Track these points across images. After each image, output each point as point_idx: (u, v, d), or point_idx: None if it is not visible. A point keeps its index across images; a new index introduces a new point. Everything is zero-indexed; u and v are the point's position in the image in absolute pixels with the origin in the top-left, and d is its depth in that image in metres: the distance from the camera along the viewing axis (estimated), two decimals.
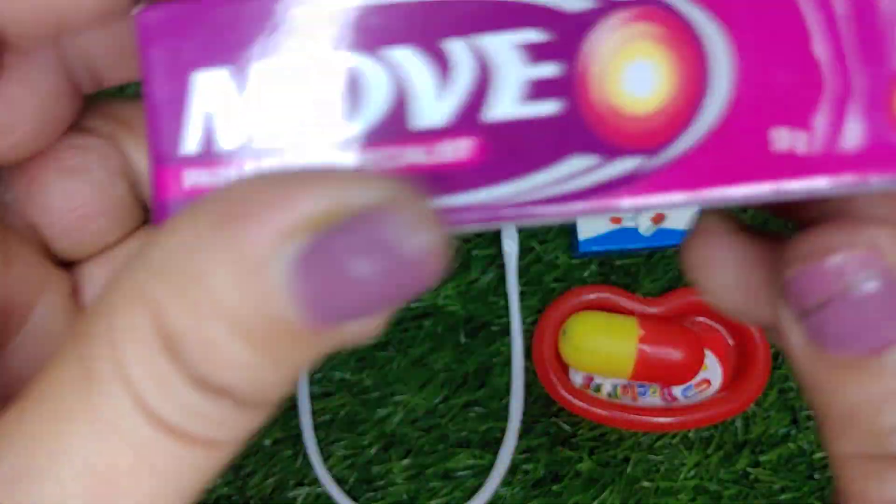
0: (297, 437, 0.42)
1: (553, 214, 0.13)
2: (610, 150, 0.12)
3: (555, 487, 0.43)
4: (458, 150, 0.13)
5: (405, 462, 0.42)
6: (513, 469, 0.43)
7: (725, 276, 0.16)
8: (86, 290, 0.17)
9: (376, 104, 0.12)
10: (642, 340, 0.42)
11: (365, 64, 0.12)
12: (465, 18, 0.12)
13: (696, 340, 0.43)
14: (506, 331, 0.45)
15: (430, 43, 0.12)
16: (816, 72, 0.12)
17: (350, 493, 0.41)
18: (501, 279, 0.46)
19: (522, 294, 0.46)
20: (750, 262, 0.16)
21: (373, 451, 0.42)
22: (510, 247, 0.45)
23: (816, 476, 0.44)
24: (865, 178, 0.12)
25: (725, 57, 0.12)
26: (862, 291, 0.12)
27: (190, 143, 0.13)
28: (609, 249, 0.45)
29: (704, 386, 0.45)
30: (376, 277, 0.11)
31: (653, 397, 0.44)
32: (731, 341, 0.45)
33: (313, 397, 0.43)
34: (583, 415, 0.43)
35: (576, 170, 0.13)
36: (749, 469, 0.44)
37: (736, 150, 0.13)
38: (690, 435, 0.44)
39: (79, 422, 0.12)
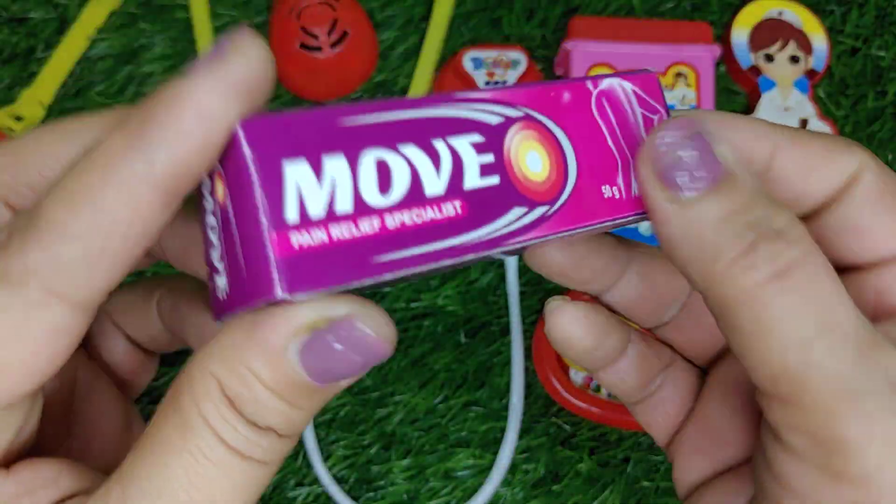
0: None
1: (513, 243, 0.20)
2: (531, 203, 0.20)
3: (555, 487, 0.43)
4: (454, 207, 0.19)
5: (405, 462, 0.42)
6: (513, 469, 0.43)
7: (583, 339, 0.24)
8: None
9: (402, 181, 0.19)
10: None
11: (391, 156, 0.19)
12: (440, 127, 0.20)
13: None
14: (506, 331, 0.45)
15: (426, 142, 0.19)
16: (611, 154, 0.22)
17: (350, 493, 0.41)
18: (501, 279, 0.46)
19: (522, 294, 0.46)
20: (598, 324, 0.24)
21: (373, 451, 0.42)
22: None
23: None
24: (642, 212, 0.22)
25: (570, 149, 0.21)
26: (682, 147, 0.20)
27: (290, 213, 0.17)
28: None
29: None
30: (351, 355, 0.18)
31: None
32: None
33: None
34: (583, 415, 0.43)
35: (516, 216, 0.20)
36: None
37: (587, 200, 0.21)
38: None
39: (181, 453, 0.18)
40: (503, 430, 0.43)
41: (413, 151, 0.19)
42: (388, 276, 0.18)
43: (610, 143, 0.22)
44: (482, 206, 0.20)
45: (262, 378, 0.18)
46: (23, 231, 0.17)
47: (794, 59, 0.49)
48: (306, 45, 0.46)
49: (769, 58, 0.49)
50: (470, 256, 0.19)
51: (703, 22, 0.48)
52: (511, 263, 0.45)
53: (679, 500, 0.25)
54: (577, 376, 0.44)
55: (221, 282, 0.18)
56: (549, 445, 0.44)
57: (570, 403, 0.43)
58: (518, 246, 0.20)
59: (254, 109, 0.17)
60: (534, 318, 0.45)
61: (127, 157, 0.16)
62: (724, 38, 0.50)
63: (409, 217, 0.19)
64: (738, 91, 0.50)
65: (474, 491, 0.43)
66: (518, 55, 0.47)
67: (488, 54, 0.47)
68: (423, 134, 0.19)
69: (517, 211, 0.20)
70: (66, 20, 0.49)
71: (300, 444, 0.42)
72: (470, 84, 0.47)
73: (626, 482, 0.44)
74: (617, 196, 0.22)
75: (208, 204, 0.19)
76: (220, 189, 0.18)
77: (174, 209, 0.17)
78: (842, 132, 0.49)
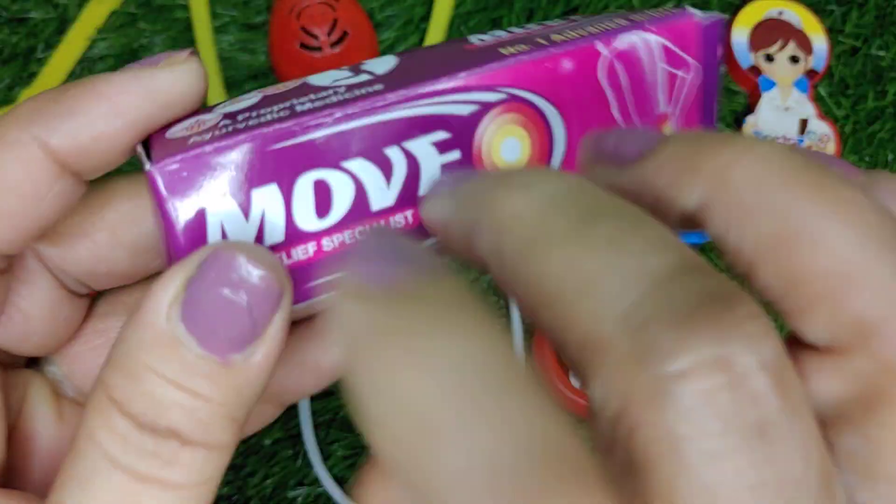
0: (297, 437, 0.42)
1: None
2: None
3: None
4: (405, 218, 0.18)
5: None
6: None
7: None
8: None
9: (344, 199, 0.18)
10: None
11: (332, 175, 0.18)
12: (396, 133, 0.18)
13: None
14: (506, 331, 0.45)
15: (375, 153, 0.18)
16: (616, 126, 0.19)
17: (350, 493, 0.41)
18: None
19: None
20: None
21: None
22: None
23: None
24: None
25: (561, 126, 0.19)
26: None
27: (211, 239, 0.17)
28: None
29: None
30: (237, 304, 0.15)
31: None
32: None
33: (313, 397, 0.43)
34: (583, 415, 0.43)
35: None
36: None
37: None
38: None
39: (70, 485, 0.15)
40: None
41: (359, 165, 0.18)
42: (324, 299, 0.16)
43: (616, 112, 0.20)
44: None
45: (149, 363, 0.15)
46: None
47: (794, 59, 0.49)
48: (306, 45, 0.46)
49: (769, 58, 0.49)
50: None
51: None
52: None
53: None
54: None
55: None
56: None
57: (570, 403, 0.43)
58: None
59: (170, 119, 0.18)
60: None
61: (31, 122, 0.17)
62: (724, 38, 0.50)
63: (349, 236, 0.18)
64: (738, 91, 0.50)
65: None
66: None
67: None
68: (374, 144, 0.18)
69: None
70: (66, 20, 0.49)
71: (300, 445, 0.42)
72: None
73: None
74: None
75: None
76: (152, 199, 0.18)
77: (73, 188, 0.18)
78: (842, 132, 0.49)
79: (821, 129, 0.48)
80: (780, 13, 0.50)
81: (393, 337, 0.11)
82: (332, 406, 0.43)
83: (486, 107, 0.19)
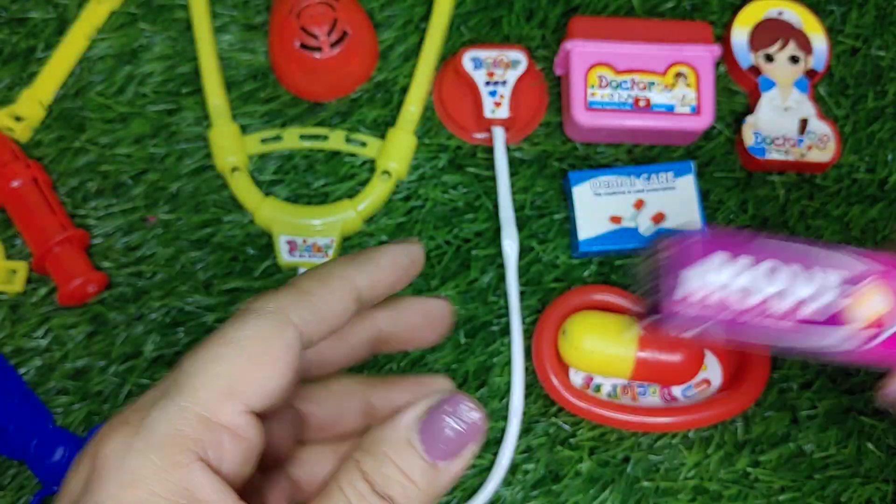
0: None
1: (834, 350, 0.31)
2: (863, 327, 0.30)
3: (555, 487, 0.43)
4: (805, 312, 0.30)
5: None
6: (513, 469, 0.43)
7: None
8: None
9: (783, 281, 0.29)
10: (642, 340, 0.42)
11: (781, 266, 0.29)
12: (822, 260, 0.29)
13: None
14: (506, 331, 0.45)
15: (808, 265, 0.29)
16: None
17: None
18: (501, 279, 0.46)
19: (522, 294, 0.46)
20: None
21: None
22: (510, 247, 0.45)
23: (816, 476, 0.44)
24: None
25: None
26: None
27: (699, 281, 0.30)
28: (609, 249, 0.45)
29: (704, 386, 0.45)
30: (457, 432, 0.23)
31: (653, 397, 0.44)
32: None
33: None
34: (583, 415, 0.43)
35: (845, 335, 0.30)
36: (749, 469, 0.44)
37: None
38: (690, 435, 0.44)
39: None
40: (503, 430, 0.43)
41: (796, 268, 0.29)
42: (747, 334, 0.29)
43: None
44: (825, 317, 0.29)
45: (389, 453, 0.23)
46: (284, 289, 0.25)
47: (794, 59, 0.49)
48: (306, 45, 0.46)
49: (769, 58, 0.49)
50: (802, 346, 0.29)
51: (703, 22, 0.48)
52: (511, 263, 0.45)
53: None
54: (576, 376, 0.44)
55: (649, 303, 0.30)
56: (549, 445, 0.44)
57: (570, 403, 0.43)
58: (841, 349, 0.30)
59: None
60: (534, 318, 0.45)
61: (346, 271, 0.25)
62: (724, 38, 0.50)
63: (776, 304, 0.29)
64: (738, 91, 0.50)
65: (474, 491, 0.43)
66: (518, 55, 0.47)
67: (488, 54, 0.47)
68: (809, 261, 0.29)
69: (846, 330, 0.29)
70: (66, 20, 0.49)
71: None
72: (470, 84, 0.47)
73: (626, 482, 0.43)
74: None
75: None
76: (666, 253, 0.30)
77: (354, 311, 0.25)
78: (842, 132, 0.49)
79: (821, 129, 0.48)
80: (780, 13, 0.50)
81: None
82: None
83: (870, 271, 0.30)
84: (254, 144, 0.47)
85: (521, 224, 0.47)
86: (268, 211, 0.46)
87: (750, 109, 0.49)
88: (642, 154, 0.48)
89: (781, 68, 0.49)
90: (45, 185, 0.46)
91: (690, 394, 0.44)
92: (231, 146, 0.47)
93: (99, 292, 0.45)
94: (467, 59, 0.47)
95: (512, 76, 0.47)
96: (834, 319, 0.29)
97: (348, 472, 0.23)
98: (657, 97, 0.46)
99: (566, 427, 0.44)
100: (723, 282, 0.29)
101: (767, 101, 0.48)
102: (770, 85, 0.49)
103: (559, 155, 0.48)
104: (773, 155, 0.47)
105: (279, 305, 0.23)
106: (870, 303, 0.29)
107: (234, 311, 0.24)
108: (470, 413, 0.23)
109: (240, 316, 0.23)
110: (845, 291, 0.29)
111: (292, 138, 0.48)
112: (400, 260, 0.27)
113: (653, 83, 0.46)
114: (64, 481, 0.23)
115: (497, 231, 0.46)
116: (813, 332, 0.29)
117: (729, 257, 0.29)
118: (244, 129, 0.48)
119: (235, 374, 0.22)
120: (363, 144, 0.48)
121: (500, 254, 0.46)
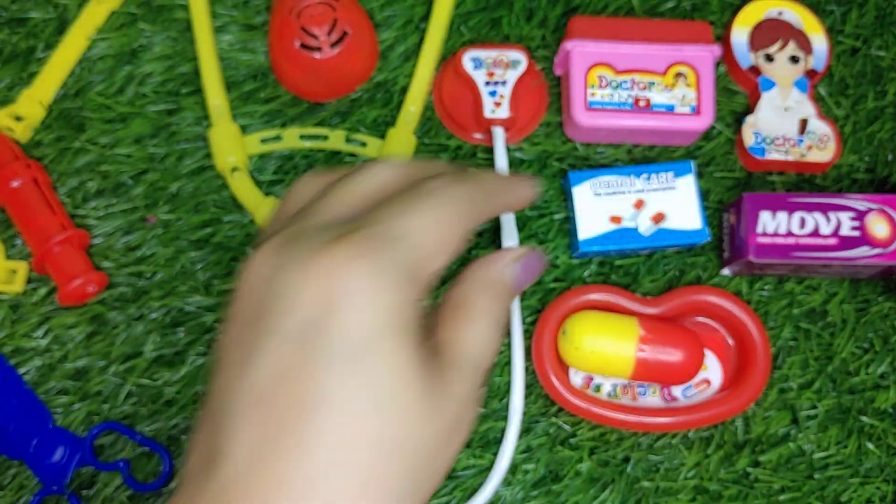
0: None
1: (858, 263, 0.46)
2: (872, 246, 0.44)
3: (555, 487, 0.43)
4: (832, 240, 0.44)
5: None
6: (513, 469, 0.43)
7: None
8: None
9: (811, 226, 0.44)
10: (642, 341, 0.42)
11: (808, 215, 0.44)
12: (834, 207, 0.44)
13: (696, 340, 0.43)
14: (506, 331, 0.45)
15: (825, 211, 0.44)
16: None
17: None
18: None
19: (522, 294, 0.46)
20: None
21: None
22: (510, 247, 0.45)
23: (816, 476, 0.44)
24: None
25: None
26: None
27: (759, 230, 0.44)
28: (609, 249, 0.45)
29: (704, 386, 0.45)
30: (533, 270, 0.31)
31: (653, 397, 0.44)
32: (731, 341, 0.45)
33: None
34: (583, 415, 0.43)
35: (864, 253, 0.44)
36: (749, 469, 0.44)
37: None
38: (690, 435, 0.44)
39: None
40: (503, 430, 0.43)
41: (818, 215, 0.43)
42: (795, 260, 0.43)
43: None
44: (846, 243, 0.43)
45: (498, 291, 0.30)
46: None
47: (794, 59, 0.49)
48: (306, 45, 0.46)
49: (769, 58, 0.49)
50: (835, 265, 0.44)
51: (703, 22, 0.48)
52: None
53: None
54: (576, 376, 0.44)
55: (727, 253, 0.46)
56: (549, 445, 0.44)
57: (570, 403, 0.43)
58: (861, 264, 0.43)
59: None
60: (534, 318, 0.45)
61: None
62: (724, 38, 0.50)
63: (808, 241, 0.43)
64: (738, 91, 0.50)
65: (474, 491, 0.43)
66: (518, 55, 0.47)
67: (488, 54, 0.47)
68: (825, 208, 0.43)
69: (864, 249, 0.43)
70: (66, 20, 0.49)
71: None
72: (470, 84, 0.47)
73: (626, 482, 0.44)
74: None
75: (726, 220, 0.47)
76: (733, 218, 0.45)
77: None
78: (842, 132, 0.49)
79: (821, 129, 0.48)
80: (780, 13, 0.50)
81: None
82: None
83: (870, 210, 0.44)
84: (254, 144, 0.47)
85: (521, 224, 0.47)
86: (268, 211, 0.46)
87: (750, 109, 0.49)
88: (642, 154, 0.48)
89: (781, 68, 0.49)
90: (45, 185, 0.46)
91: (690, 394, 0.44)
92: (231, 146, 0.47)
93: (99, 292, 0.45)
94: (467, 59, 0.47)
95: (512, 76, 0.47)
96: (854, 242, 0.43)
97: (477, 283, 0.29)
98: (657, 97, 0.46)
99: (566, 427, 0.44)
100: (776, 225, 0.43)
101: (767, 101, 0.48)
102: (770, 85, 0.49)
103: (559, 155, 0.48)
104: (773, 155, 0.47)
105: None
106: (876, 227, 0.43)
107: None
108: (542, 260, 0.32)
109: None
110: (855, 225, 0.43)
111: (292, 138, 0.48)
112: (514, 207, 0.33)
113: (653, 83, 0.46)
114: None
115: (497, 231, 0.46)
116: (841, 251, 0.43)
117: (771, 212, 0.44)
118: (244, 129, 0.48)
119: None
120: (363, 144, 0.48)
121: None
